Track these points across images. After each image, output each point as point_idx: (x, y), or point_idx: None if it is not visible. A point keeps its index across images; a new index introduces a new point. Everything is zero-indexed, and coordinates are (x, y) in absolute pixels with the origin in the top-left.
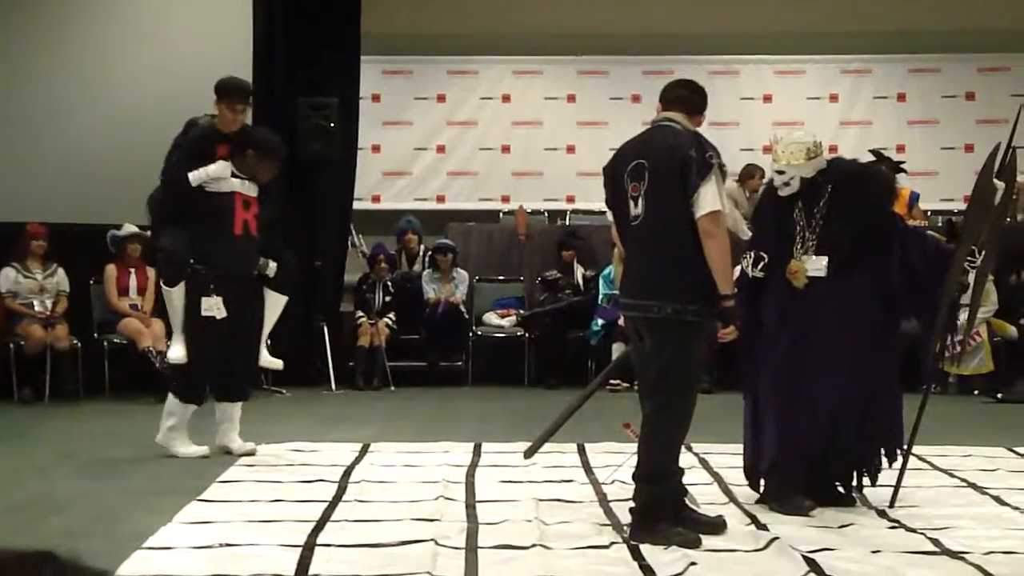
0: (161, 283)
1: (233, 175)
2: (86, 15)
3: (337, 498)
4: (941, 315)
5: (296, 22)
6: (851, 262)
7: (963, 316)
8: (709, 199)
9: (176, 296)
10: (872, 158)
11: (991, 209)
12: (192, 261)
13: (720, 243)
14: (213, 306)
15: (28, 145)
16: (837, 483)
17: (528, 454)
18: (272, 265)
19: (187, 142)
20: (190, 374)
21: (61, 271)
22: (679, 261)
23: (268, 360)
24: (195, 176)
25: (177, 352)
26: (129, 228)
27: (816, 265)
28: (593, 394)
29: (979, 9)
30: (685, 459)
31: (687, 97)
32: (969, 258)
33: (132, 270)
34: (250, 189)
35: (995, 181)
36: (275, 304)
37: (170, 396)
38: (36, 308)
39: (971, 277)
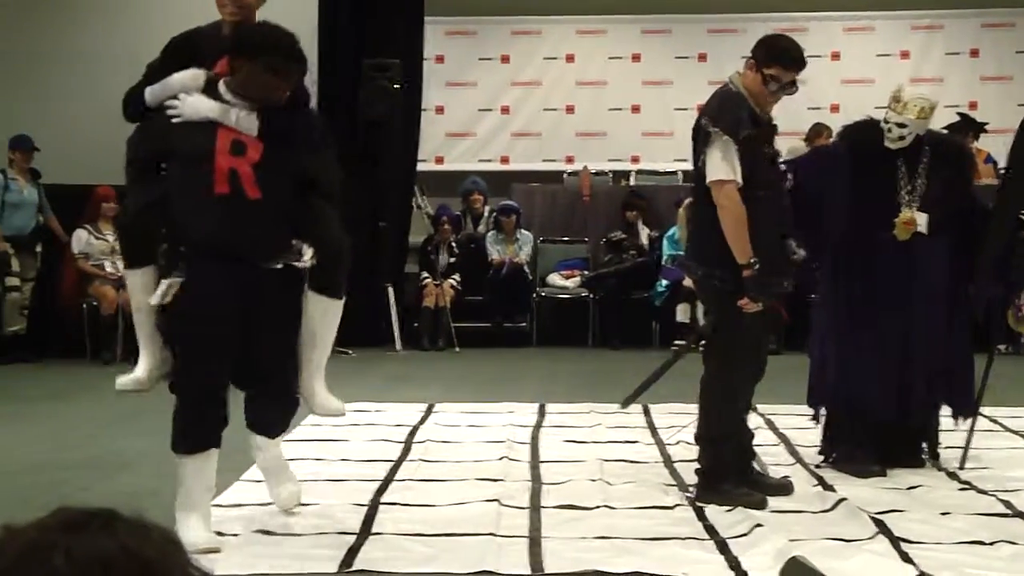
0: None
1: (220, 97)
2: None
3: (402, 458)
4: (984, 269)
5: None
6: (941, 224)
7: None
8: (711, 168)
9: (134, 284)
10: (958, 119)
11: None
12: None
13: (728, 213)
14: (162, 291)
15: (94, 105)
16: (909, 441)
17: (625, 404)
18: (307, 252)
19: (162, 51)
20: (184, 408)
21: None
22: (704, 226)
23: (324, 400)
24: (152, 92)
25: (135, 373)
26: None
27: (920, 220)
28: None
29: None
30: (751, 420)
31: (754, 50)
32: (1020, 215)
33: None
34: (247, 122)
35: None
36: (323, 314)
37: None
38: (108, 269)
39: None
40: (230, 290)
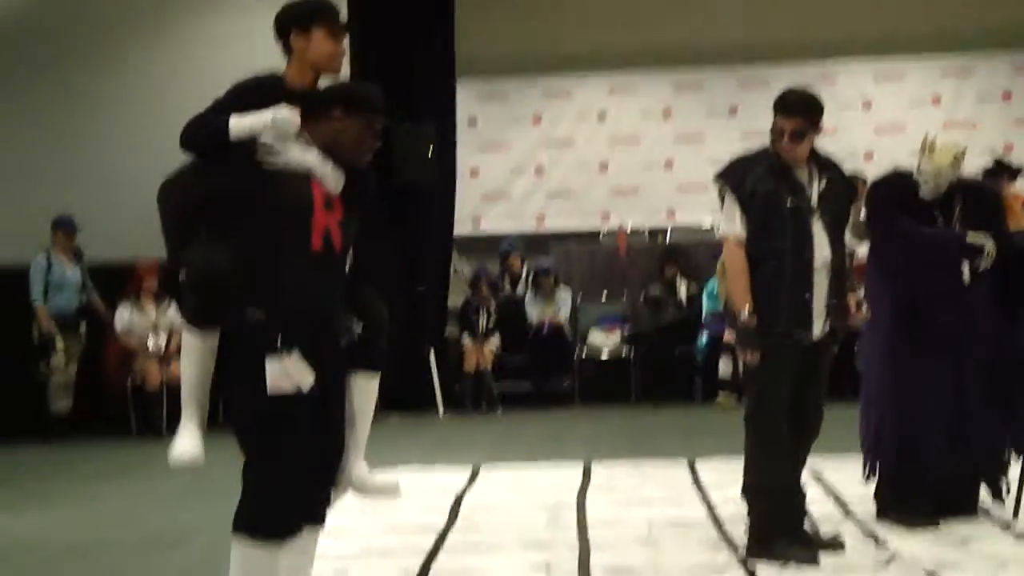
0: (182, 326)
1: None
2: (176, 44)
3: (449, 525)
4: None
5: (390, 49)
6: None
7: None
8: (720, 223)
9: (198, 347)
10: (993, 164)
11: None
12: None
13: (729, 266)
14: (289, 371)
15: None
16: (964, 491)
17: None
18: (355, 325)
19: (231, 91)
20: (267, 492)
21: (174, 307)
22: None
23: (379, 479)
24: (238, 126)
25: (189, 447)
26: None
27: (992, 248)
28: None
29: None
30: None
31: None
32: None
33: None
34: (334, 178)
35: None
36: (367, 390)
37: (234, 537)
38: (150, 346)
39: None
40: (322, 361)
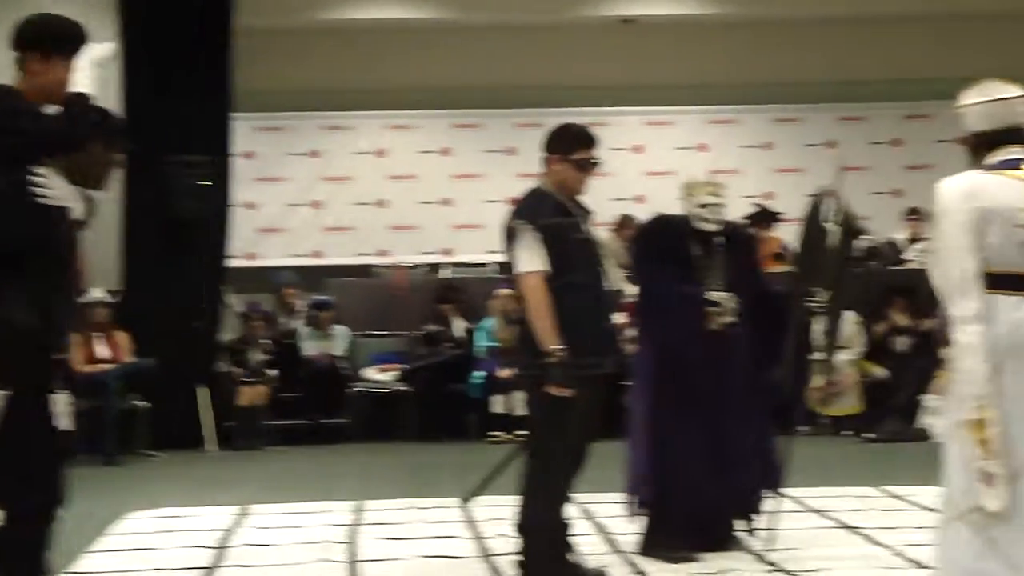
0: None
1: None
2: None
3: (216, 564)
4: (788, 355)
5: (164, 79)
6: (740, 312)
7: (836, 356)
8: (516, 261)
9: None
10: (755, 209)
11: (828, 252)
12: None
13: (529, 302)
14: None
15: None
16: (721, 526)
17: (467, 499)
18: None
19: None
20: None
21: None
22: (524, 319)
23: None
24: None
25: None
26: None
27: (732, 304)
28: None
29: (839, 61)
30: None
31: (551, 144)
32: (808, 299)
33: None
34: (77, 206)
35: (826, 225)
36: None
37: None
38: None
39: (818, 318)
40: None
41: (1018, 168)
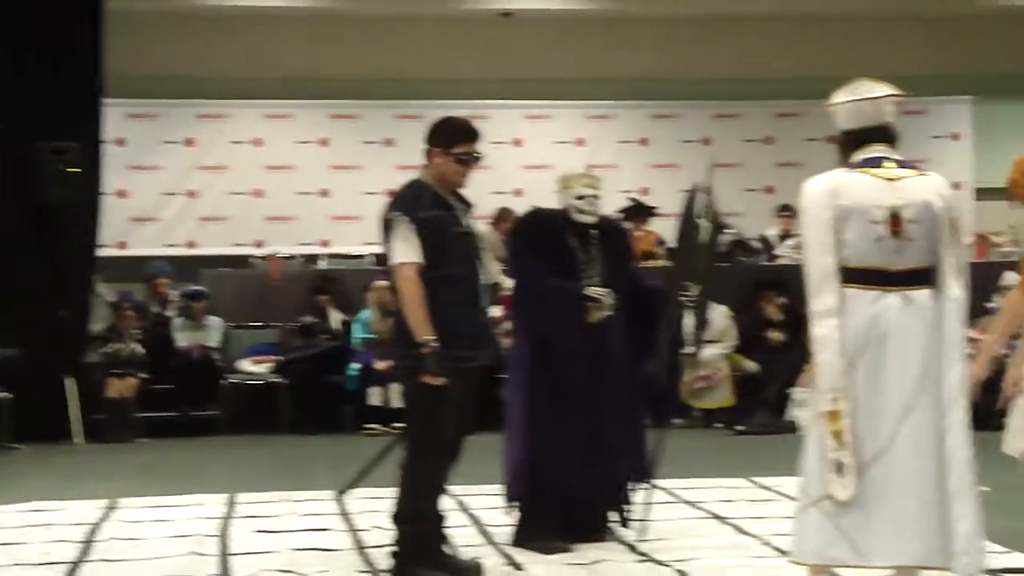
0: None
1: None
2: None
3: (81, 559)
4: (662, 349)
5: (31, 62)
6: (616, 305)
7: (706, 351)
8: (392, 252)
9: None
10: (630, 203)
11: (699, 248)
12: None
13: (403, 293)
14: None
15: None
16: (594, 517)
17: (343, 492)
18: None
19: None
20: None
21: None
22: (399, 310)
23: None
24: None
25: None
26: None
27: (610, 299)
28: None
29: (714, 59)
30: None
31: (433, 138)
32: (681, 293)
33: None
34: None
35: (698, 221)
36: None
37: None
38: None
39: (689, 312)
40: None
41: (879, 166)
